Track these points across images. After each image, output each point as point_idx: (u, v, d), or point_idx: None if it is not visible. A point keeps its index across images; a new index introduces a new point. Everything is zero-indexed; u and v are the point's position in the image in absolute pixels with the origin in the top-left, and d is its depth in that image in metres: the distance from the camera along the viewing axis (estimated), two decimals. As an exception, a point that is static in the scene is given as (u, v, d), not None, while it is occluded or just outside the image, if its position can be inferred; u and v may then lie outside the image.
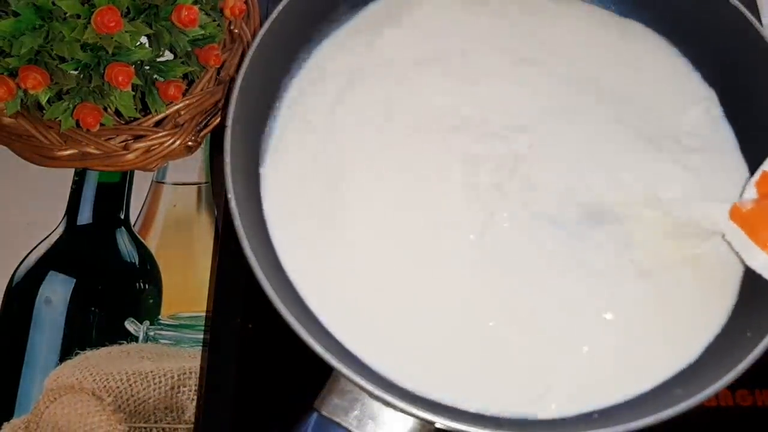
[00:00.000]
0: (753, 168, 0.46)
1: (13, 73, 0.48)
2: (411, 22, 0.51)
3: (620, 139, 0.48)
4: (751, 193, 0.44)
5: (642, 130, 0.48)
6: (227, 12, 0.55)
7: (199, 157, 0.61)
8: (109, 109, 0.51)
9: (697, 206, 0.45)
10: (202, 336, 0.54)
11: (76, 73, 0.49)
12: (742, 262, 0.43)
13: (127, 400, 0.52)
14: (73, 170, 0.61)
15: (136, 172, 0.61)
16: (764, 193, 0.43)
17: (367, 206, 0.45)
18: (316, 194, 0.45)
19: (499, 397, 0.40)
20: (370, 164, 0.46)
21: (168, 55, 0.54)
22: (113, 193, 0.60)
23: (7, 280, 0.56)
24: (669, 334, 0.43)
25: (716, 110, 0.49)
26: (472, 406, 0.40)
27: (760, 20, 0.51)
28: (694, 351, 0.43)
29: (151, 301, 0.56)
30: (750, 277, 0.44)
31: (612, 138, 0.47)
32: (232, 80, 0.48)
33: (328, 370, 0.40)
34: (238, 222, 0.40)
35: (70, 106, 0.50)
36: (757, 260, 0.42)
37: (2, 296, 0.56)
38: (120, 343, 0.54)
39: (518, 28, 0.51)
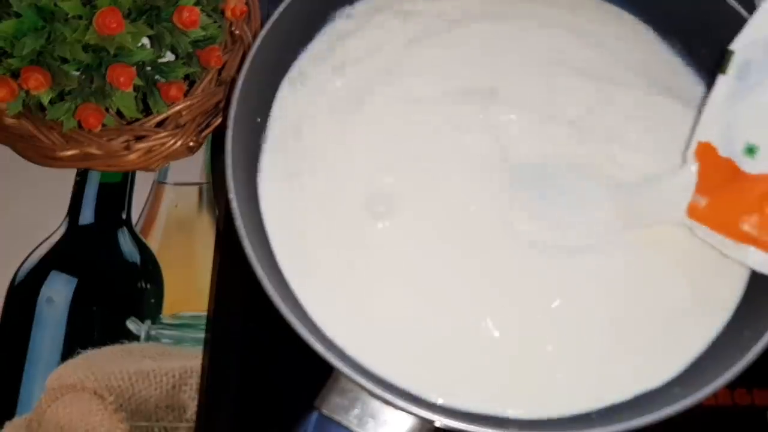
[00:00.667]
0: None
1: (15, 74, 0.48)
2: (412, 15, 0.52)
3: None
4: (692, 163, 0.43)
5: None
6: (228, 13, 0.55)
7: (201, 157, 0.61)
8: (110, 110, 0.51)
9: (656, 209, 0.44)
10: (203, 335, 0.55)
11: (77, 74, 0.50)
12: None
13: (129, 399, 0.52)
14: (75, 170, 0.61)
15: (137, 172, 0.61)
16: (705, 172, 0.42)
17: (365, 203, 0.45)
18: (314, 193, 0.45)
19: (498, 397, 0.40)
20: (368, 162, 0.46)
21: (169, 56, 0.54)
22: (115, 194, 0.60)
23: (10, 280, 0.57)
24: (669, 334, 0.43)
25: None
26: (470, 408, 0.40)
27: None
28: (695, 351, 0.43)
29: (152, 300, 0.56)
30: (752, 275, 0.44)
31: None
32: (233, 81, 0.48)
33: (328, 369, 0.40)
34: (239, 222, 0.40)
35: (72, 106, 0.50)
36: (732, 250, 0.41)
37: (5, 296, 0.56)
38: (122, 343, 0.54)
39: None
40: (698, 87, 0.50)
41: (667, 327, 0.43)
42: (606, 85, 0.49)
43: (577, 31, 0.51)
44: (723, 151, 0.42)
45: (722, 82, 0.42)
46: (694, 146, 0.43)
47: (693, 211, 0.42)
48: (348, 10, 0.51)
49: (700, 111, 0.43)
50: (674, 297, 0.43)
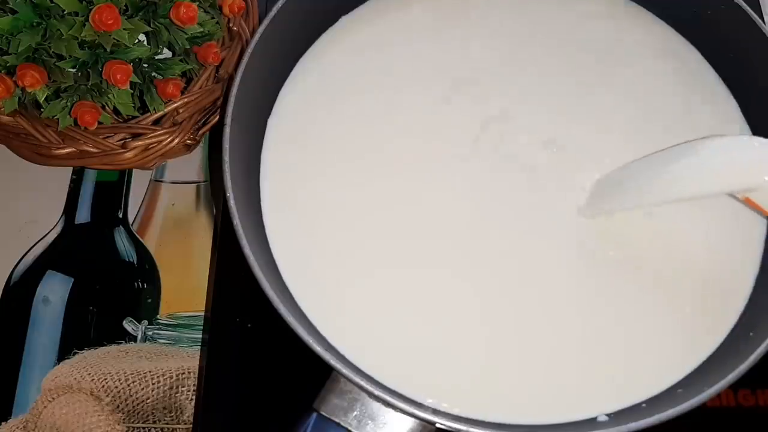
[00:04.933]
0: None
1: (10, 71, 0.48)
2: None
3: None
4: None
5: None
6: (226, 9, 0.55)
7: (198, 155, 0.60)
8: (107, 107, 0.51)
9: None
10: (200, 336, 0.54)
11: (74, 71, 0.49)
12: None
13: (126, 400, 0.52)
14: (71, 169, 0.60)
15: (134, 170, 0.60)
16: None
17: (363, 205, 0.44)
18: (313, 193, 0.45)
19: (502, 404, 0.40)
20: (365, 158, 0.46)
21: (166, 53, 0.53)
22: (111, 192, 0.60)
23: (5, 280, 0.56)
24: (675, 338, 0.42)
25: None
26: (470, 414, 0.39)
27: (762, 16, 0.51)
28: (701, 355, 0.42)
29: (149, 300, 0.55)
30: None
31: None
32: (231, 78, 0.48)
33: (327, 370, 0.40)
34: (236, 221, 0.40)
35: (68, 104, 0.50)
36: None
37: (0, 296, 0.56)
38: (118, 343, 0.54)
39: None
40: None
41: (675, 331, 0.42)
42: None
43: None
44: None
45: None
46: None
47: None
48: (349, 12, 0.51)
49: None
50: (683, 301, 0.43)
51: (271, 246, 0.43)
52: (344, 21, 0.51)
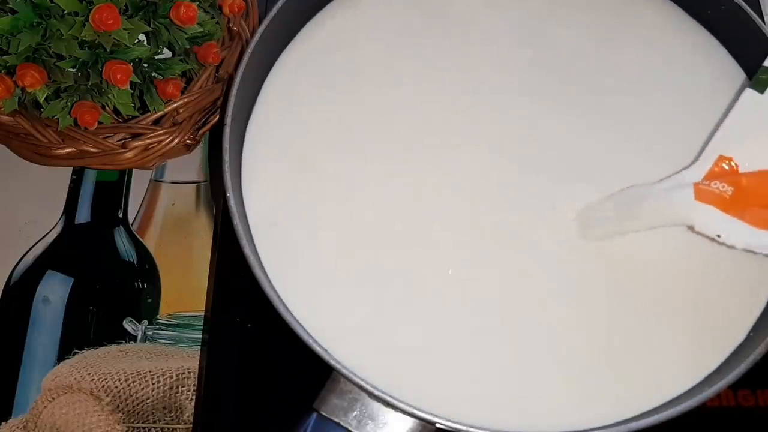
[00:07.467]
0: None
1: (10, 71, 0.48)
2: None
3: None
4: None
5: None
6: (226, 9, 0.55)
7: (198, 155, 0.60)
8: (107, 107, 0.51)
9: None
10: (200, 336, 0.54)
11: (74, 71, 0.49)
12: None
13: (126, 399, 0.52)
14: (70, 169, 0.60)
15: (134, 170, 0.60)
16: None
17: (361, 205, 0.44)
18: (309, 194, 0.44)
19: (501, 410, 0.39)
20: (363, 156, 0.45)
21: (166, 53, 0.53)
22: (111, 192, 0.60)
23: (5, 280, 0.56)
24: (681, 353, 0.41)
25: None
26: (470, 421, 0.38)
27: (762, 16, 0.51)
28: (707, 369, 0.41)
29: (149, 300, 0.55)
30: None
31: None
32: (231, 78, 0.47)
33: (327, 370, 0.39)
34: (236, 221, 0.40)
35: (68, 104, 0.50)
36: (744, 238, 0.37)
37: (0, 296, 0.56)
38: (118, 343, 0.54)
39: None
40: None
41: (687, 341, 0.42)
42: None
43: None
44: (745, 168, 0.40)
45: (754, 100, 0.41)
46: (713, 158, 0.40)
47: (721, 203, 0.38)
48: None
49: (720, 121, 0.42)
50: (690, 317, 0.42)
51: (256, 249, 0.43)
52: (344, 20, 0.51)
